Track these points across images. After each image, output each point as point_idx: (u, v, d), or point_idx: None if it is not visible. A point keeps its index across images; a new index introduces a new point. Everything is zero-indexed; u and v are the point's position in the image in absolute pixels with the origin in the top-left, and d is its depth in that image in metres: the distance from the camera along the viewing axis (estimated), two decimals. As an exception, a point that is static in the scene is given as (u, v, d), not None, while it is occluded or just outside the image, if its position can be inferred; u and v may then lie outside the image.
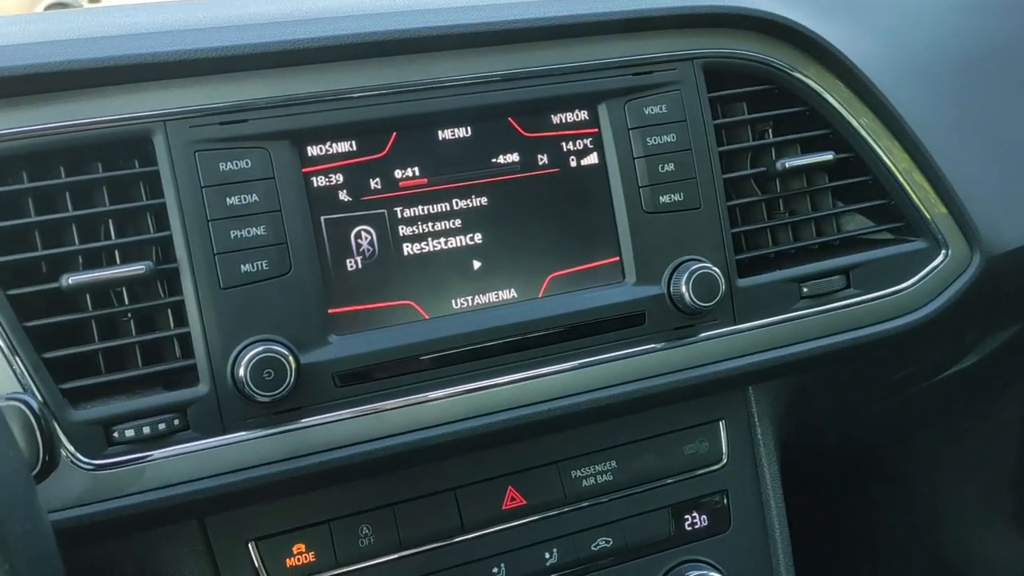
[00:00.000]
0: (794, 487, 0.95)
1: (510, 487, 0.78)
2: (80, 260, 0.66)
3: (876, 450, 1.28)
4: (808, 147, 0.85)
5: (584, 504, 0.81)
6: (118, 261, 0.67)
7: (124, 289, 0.67)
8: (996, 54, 1.02)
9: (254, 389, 0.65)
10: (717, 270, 0.76)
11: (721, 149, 0.80)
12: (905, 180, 0.87)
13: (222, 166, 0.67)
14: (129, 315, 0.67)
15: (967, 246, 0.88)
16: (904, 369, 1.01)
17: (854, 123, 0.85)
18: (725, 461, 0.85)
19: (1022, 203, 0.93)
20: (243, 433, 0.67)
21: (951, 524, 1.33)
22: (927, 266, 0.86)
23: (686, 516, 0.84)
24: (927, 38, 1.00)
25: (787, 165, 0.81)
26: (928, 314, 0.86)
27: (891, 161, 0.86)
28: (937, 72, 0.96)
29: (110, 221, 0.67)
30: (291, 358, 0.66)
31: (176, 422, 0.65)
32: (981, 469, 1.32)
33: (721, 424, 0.85)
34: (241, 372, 0.65)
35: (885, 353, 0.90)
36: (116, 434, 0.64)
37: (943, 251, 0.87)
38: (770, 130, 0.85)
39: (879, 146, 0.86)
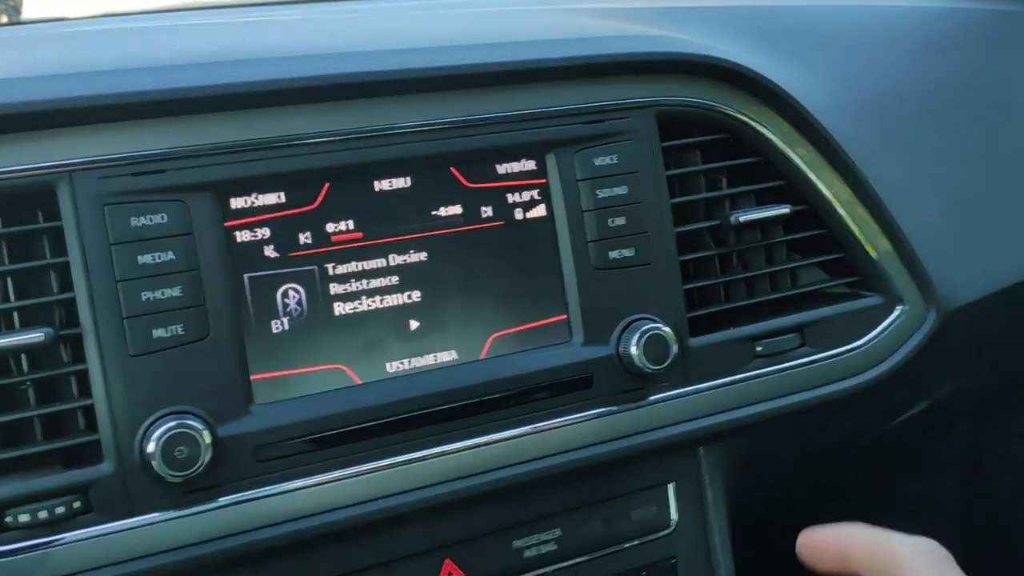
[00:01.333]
0: (745, 540, 0.92)
1: (447, 560, 0.73)
2: (-26, 324, 0.60)
3: (829, 496, 1.26)
4: (763, 198, 0.82)
5: (527, 576, 0.77)
6: (17, 325, 0.61)
7: (23, 355, 0.61)
8: (957, 97, 1.00)
9: (164, 469, 0.59)
10: (668, 330, 0.73)
11: (674, 201, 0.77)
12: (861, 233, 0.84)
13: (134, 221, 0.61)
14: (28, 384, 0.61)
15: (923, 301, 0.86)
16: (856, 421, 0.99)
17: (810, 175, 0.82)
18: (674, 526, 0.81)
19: (978, 255, 0.92)
20: (153, 515, 0.61)
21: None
22: (882, 323, 0.84)
23: (634, 586, 0.80)
24: (887, 82, 0.98)
25: (742, 219, 0.78)
26: (883, 373, 0.84)
27: (847, 214, 0.84)
28: (897, 118, 0.94)
29: (9, 280, 0.61)
30: (206, 432, 0.60)
31: (76, 504, 0.59)
32: (933, 507, 1.31)
33: (670, 488, 0.81)
34: (150, 448, 0.59)
35: (839, 409, 0.87)
36: (10, 519, 0.58)
37: (898, 307, 0.85)
38: (724, 180, 0.82)
39: (835, 198, 0.83)
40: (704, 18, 0.97)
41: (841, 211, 0.83)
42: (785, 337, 0.79)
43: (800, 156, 0.82)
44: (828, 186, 0.83)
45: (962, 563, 0.58)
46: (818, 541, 0.53)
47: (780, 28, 1.00)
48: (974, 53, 1.05)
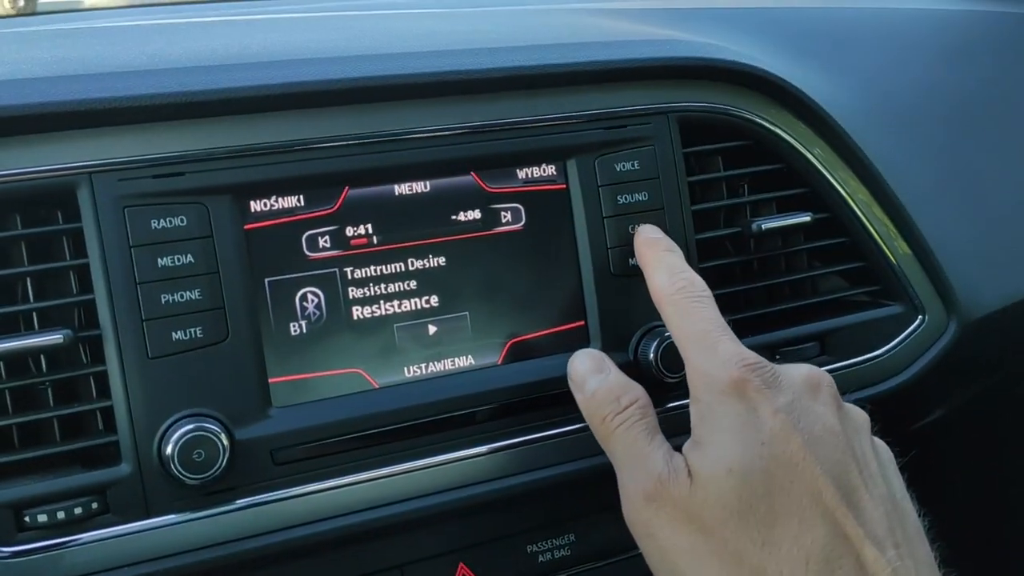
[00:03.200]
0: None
1: (461, 564, 0.73)
2: (-7, 323, 0.60)
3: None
4: (784, 206, 0.81)
5: (540, 581, 0.76)
6: (36, 326, 0.61)
7: (43, 356, 0.61)
8: (980, 102, 0.99)
9: (182, 471, 0.59)
10: (687, 338, 0.72)
11: (695, 208, 0.76)
12: (880, 237, 0.83)
13: (154, 223, 0.61)
14: (47, 385, 0.61)
15: (944, 311, 0.85)
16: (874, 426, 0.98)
17: (828, 176, 0.82)
18: (689, 533, 0.81)
19: (1000, 263, 0.91)
20: (170, 516, 0.61)
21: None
22: (903, 332, 0.83)
23: (647, 593, 0.80)
24: (909, 85, 0.96)
25: (763, 227, 0.77)
26: (903, 381, 0.83)
27: (865, 217, 0.83)
28: (918, 122, 0.93)
29: (28, 281, 0.61)
30: (224, 436, 0.60)
31: (94, 505, 0.59)
32: (943, 513, 1.30)
33: (686, 494, 0.81)
34: (168, 451, 0.59)
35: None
36: (28, 519, 0.58)
37: (919, 316, 0.84)
38: (745, 187, 0.81)
39: (853, 199, 0.82)
40: (725, 20, 0.97)
41: (860, 213, 0.82)
42: (805, 346, 0.79)
43: (817, 157, 0.81)
44: (845, 187, 0.82)
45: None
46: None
47: (802, 30, 0.99)
48: (999, 58, 1.04)
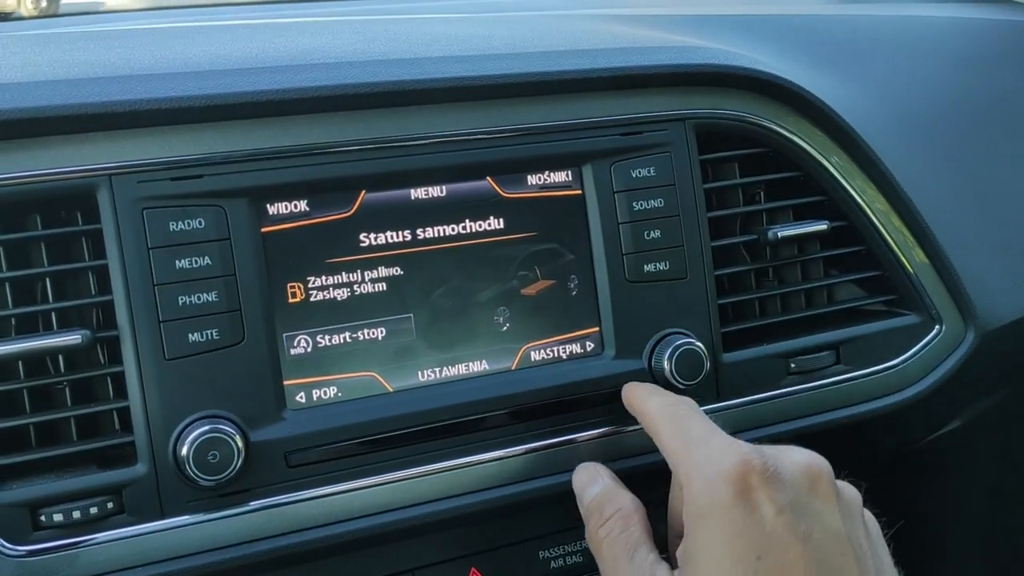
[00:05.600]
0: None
1: (473, 569, 0.73)
2: (13, 323, 0.61)
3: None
4: (801, 213, 0.81)
5: (552, 587, 0.76)
6: (55, 327, 0.62)
7: (60, 356, 0.62)
8: (997, 112, 0.98)
9: (197, 472, 0.60)
10: (701, 345, 0.72)
11: (711, 215, 0.76)
12: (897, 246, 0.83)
13: (172, 225, 0.62)
14: (64, 384, 0.62)
15: (961, 320, 0.85)
16: (888, 439, 0.98)
17: (845, 184, 0.81)
18: (701, 542, 0.80)
19: (1018, 273, 0.90)
20: (184, 517, 0.61)
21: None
22: (919, 342, 0.83)
23: (659, 600, 0.79)
24: (927, 94, 0.96)
25: (780, 235, 0.77)
26: (920, 392, 0.82)
27: (882, 225, 0.82)
28: (936, 131, 0.93)
29: (48, 281, 0.62)
30: (239, 438, 0.61)
31: (110, 505, 0.60)
32: (958, 522, 1.29)
33: (699, 502, 0.81)
34: (184, 452, 0.60)
35: (873, 428, 0.86)
36: (43, 518, 0.59)
37: (936, 326, 0.83)
38: (762, 194, 0.81)
39: (870, 208, 0.82)
40: (741, 27, 0.96)
41: (877, 222, 0.82)
42: (820, 355, 0.78)
43: (835, 165, 0.81)
44: (863, 195, 0.82)
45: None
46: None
47: (819, 38, 0.99)
48: (1017, 67, 1.03)
